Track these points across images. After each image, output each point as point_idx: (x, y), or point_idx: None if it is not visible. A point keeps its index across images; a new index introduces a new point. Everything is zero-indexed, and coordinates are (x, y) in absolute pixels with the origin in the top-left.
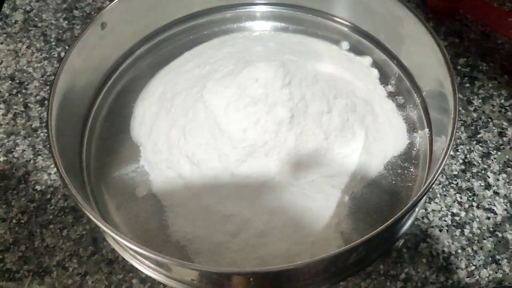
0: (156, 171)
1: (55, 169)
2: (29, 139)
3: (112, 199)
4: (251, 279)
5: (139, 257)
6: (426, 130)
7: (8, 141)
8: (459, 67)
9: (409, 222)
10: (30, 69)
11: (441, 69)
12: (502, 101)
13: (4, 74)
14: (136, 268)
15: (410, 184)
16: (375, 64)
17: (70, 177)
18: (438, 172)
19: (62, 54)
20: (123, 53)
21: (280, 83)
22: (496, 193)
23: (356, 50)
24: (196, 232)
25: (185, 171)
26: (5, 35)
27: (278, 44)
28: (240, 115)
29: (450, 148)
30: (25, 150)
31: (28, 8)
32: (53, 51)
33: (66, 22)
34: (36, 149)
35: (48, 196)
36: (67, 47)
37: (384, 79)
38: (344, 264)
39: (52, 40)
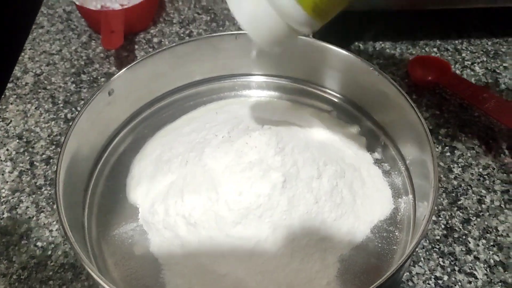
0: (154, 231)
1: (56, 226)
2: (33, 196)
3: (111, 256)
4: None
5: None
6: (410, 196)
7: (12, 198)
8: (440, 137)
9: (395, 284)
10: (38, 129)
11: (422, 142)
12: (480, 170)
13: (13, 133)
14: None
15: (395, 247)
16: (363, 133)
17: (73, 235)
18: (420, 238)
19: (69, 115)
20: (127, 117)
21: (273, 151)
22: (476, 258)
23: (345, 118)
24: None
25: (182, 231)
26: (15, 96)
27: (272, 111)
28: (236, 179)
29: (430, 216)
30: (28, 207)
31: (38, 71)
32: (60, 113)
33: (74, 85)
34: (40, 206)
35: (49, 252)
36: (73, 109)
37: (371, 146)
38: None
39: (60, 102)
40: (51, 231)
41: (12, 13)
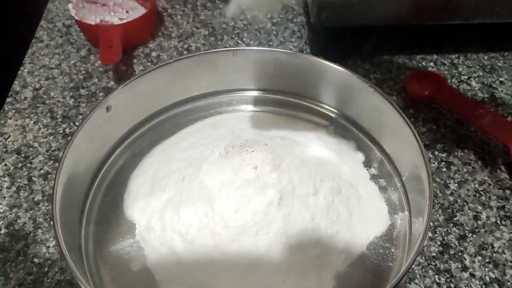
0: (150, 247)
1: (53, 242)
2: (31, 212)
3: (108, 273)
4: None
5: None
6: (406, 212)
7: (10, 214)
8: (436, 152)
9: None
10: (36, 144)
11: (418, 158)
12: (476, 185)
13: (11, 148)
14: None
15: (391, 264)
16: (359, 148)
17: (69, 251)
18: (415, 255)
19: (67, 130)
20: (125, 132)
21: (269, 168)
22: (472, 275)
23: (342, 134)
24: None
25: (178, 248)
26: (14, 110)
27: (269, 125)
28: (233, 196)
29: (425, 234)
30: (26, 223)
31: (37, 85)
32: (58, 127)
33: (73, 100)
34: (37, 222)
35: (46, 269)
36: (72, 124)
37: (367, 162)
38: None
39: (58, 116)
40: (48, 247)
41: (12, 27)
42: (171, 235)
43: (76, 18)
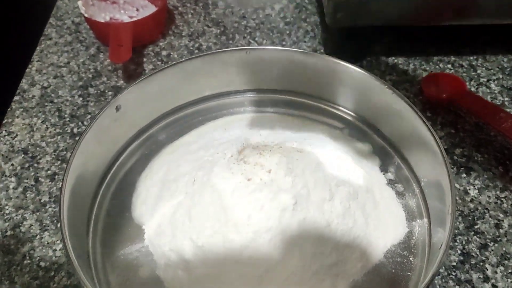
0: (159, 253)
1: (60, 245)
2: (37, 213)
3: (115, 278)
4: None
5: None
6: (425, 219)
7: (16, 215)
8: (455, 157)
9: None
10: (43, 144)
11: (438, 163)
12: (498, 192)
13: (18, 147)
14: None
15: (409, 273)
16: (376, 151)
17: (76, 256)
18: (437, 268)
19: (75, 130)
20: (135, 133)
21: (283, 172)
22: (494, 286)
23: (358, 136)
24: None
25: (188, 254)
26: (21, 109)
27: (283, 127)
28: (245, 201)
29: (447, 245)
30: (32, 225)
31: (45, 84)
32: (66, 127)
33: (81, 99)
34: (44, 224)
35: (52, 273)
36: (80, 123)
37: (384, 166)
38: None
39: (66, 116)
40: (54, 250)
41: (21, 24)
42: (182, 241)
43: (86, 15)
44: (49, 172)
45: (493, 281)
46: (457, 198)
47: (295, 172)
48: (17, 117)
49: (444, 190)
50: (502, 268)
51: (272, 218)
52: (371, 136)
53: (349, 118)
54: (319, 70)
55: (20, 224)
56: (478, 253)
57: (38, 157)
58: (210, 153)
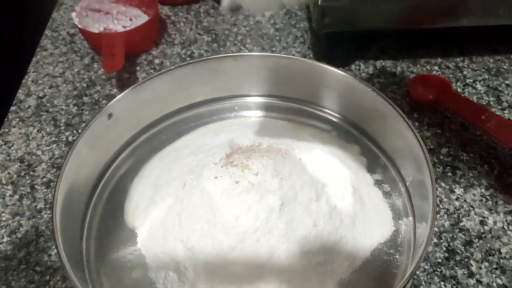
0: (152, 255)
1: (55, 250)
2: (33, 220)
3: (109, 281)
4: None
5: None
6: (410, 218)
7: (12, 222)
8: (441, 157)
9: None
10: (39, 152)
11: (421, 163)
12: (483, 190)
13: (14, 156)
14: None
15: (395, 271)
16: (363, 153)
17: (70, 260)
18: (418, 262)
19: (70, 138)
20: (127, 139)
21: (270, 174)
22: (479, 281)
23: (346, 139)
24: None
25: (179, 256)
26: (18, 119)
27: (272, 131)
28: (234, 202)
29: (429, 240)
30: (28, 231)
31: (41, 94)
32: (61, 135)
33: (76, 108)
34: (39, 230)
35: (47, 277)
36: (75, 132)
37: (371, 167)
38: None
39: (61, 124)
40: (50, 255)
41: (17, 36)
42: (173, 243)
43: (80, 26)
44: (44, 179)
45: (477, 276)
46: (443, 196)
47: (282, 174)
48: (14, 126)
49: (427, 188)
50: (486, 263)
51: (260, 219)
52: (359, 137)
53: (337, 121)
54: (307, 75)
55: (16, 231)
56: (463, 249)
57: (34, 165)
58: (200, 157)
